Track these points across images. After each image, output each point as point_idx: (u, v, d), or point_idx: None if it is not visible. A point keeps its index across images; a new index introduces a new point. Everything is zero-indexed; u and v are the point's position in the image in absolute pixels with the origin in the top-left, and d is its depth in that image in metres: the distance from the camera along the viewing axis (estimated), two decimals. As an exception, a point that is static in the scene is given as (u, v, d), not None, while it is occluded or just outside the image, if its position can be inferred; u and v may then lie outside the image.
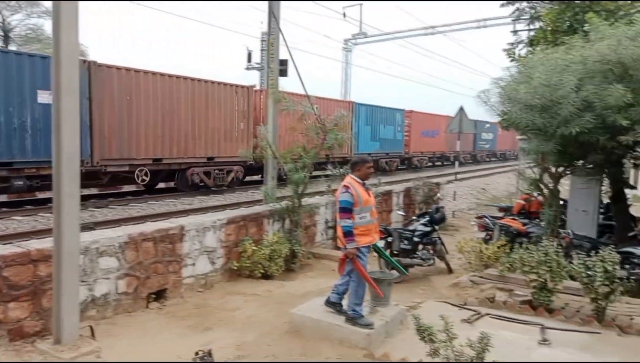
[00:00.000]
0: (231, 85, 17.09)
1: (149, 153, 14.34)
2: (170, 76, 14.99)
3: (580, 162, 7.35)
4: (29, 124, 11.55)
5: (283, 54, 9.54)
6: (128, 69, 13.72)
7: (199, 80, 15.93)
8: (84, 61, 12.55)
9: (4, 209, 11.91)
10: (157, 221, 8.55)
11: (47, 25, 30.54)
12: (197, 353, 3.97)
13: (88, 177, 12.70)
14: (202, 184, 16.31)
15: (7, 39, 27.24)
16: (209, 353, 3.95)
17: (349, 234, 4.77)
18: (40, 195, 13.87)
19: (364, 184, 5.03)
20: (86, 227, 9.47)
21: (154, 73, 14.48)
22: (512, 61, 11.74)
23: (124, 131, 13.55)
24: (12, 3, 26.87)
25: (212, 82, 16.40)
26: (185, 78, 15.46)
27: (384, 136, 26.04)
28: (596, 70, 6.23)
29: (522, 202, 10.23)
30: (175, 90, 15.05)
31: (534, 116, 6.47)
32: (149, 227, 6.22)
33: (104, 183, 14.12)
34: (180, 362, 4.38)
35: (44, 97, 11.57)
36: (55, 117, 4.53)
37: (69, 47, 4.48)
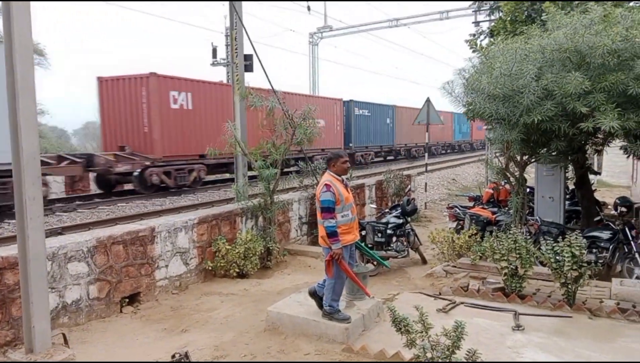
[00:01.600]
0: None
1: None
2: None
3: (544, 149, 7.53)
4: None
5: (247, 49, 9.45)
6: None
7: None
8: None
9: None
10: (127, 223, 8.36)
11: None
12: (173, 356, 3.92)
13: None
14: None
15: None
16: (186, 355, 3.90)
17: (333, 234, 4.64)
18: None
19: (342, 181, 4.94)
20: (54, 232, 9.20)
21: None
22: (474, 51, 11.93)
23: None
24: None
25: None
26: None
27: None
28: (555, 59, 6.39)
29: (491, 191, 10.45)
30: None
31: (497, 106, 6.59)
32: (119, 230, 6.08)
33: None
34: (158, 362, 4.31)
35: None
36: (12, 118, 4.37)
37: (22, 43, 4.32)
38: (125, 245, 5.83)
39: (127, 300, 5.87)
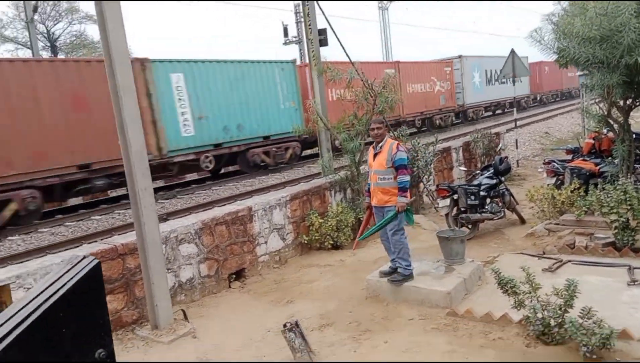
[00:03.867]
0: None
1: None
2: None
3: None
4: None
5: (320, 23, 9.43)
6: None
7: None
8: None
9: (82, 210, 12.71)
10: (223, 205, 8.85)
11: (89, 30, 31.69)
12: (285, 325, 4.14)
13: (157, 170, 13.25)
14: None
15: (54, 48, 28.50)
16: (296, 324, 4.10)
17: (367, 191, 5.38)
18: (112, 193, 14.69)
19: (374, 146, 5.24)
20: (160, 218, 9.97)
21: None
22: None
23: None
24: (53, 13, 27.90)
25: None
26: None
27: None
28: (656, -9, 5.75)
29: (591, 141, 9.68)
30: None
31: (593, 49, 6.10)
32: (220, 211, 6.46)
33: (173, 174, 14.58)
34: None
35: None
36: (117, 117, 4.75)
37: (118, 47, 4.65)
38: (227, 225, 6.20)
39: (234, 276, 6.27)
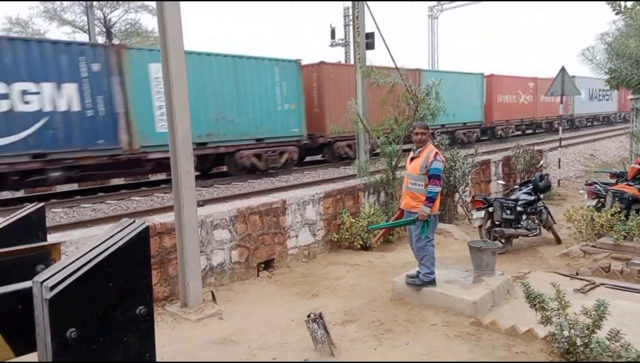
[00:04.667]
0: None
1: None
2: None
3: None
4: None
5: (368, 27, 9.49)
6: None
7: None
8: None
9: (124, 191, 13.21)
10: (259, 197, 9.03)
11: (143, 19, 32.74)
12: (309, 316, 4.23)
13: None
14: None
15: (109, 34, 29.61)
16: (320, 316, 4.18)
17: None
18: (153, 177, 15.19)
19: (413, 151, 5.20)
20: (197, 204, 10.26)
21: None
22: (617, 13, 10.68)
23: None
24: (111, 1, 28.96)
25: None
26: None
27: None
28: None
29: (637, 166, 9.37)
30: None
31: None
32: (255, 201, 6.63)
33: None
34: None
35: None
36: (167, 102, 4.97)
37: (174, 38, 4.86)
38: (261, 215, 6.35)
39: (262, 265, 6.41)
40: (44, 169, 11.09)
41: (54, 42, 11.50)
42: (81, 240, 4.90)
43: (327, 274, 6.37)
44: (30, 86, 10.70)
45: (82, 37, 26.86)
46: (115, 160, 12.17)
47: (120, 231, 1.77)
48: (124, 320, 1.68)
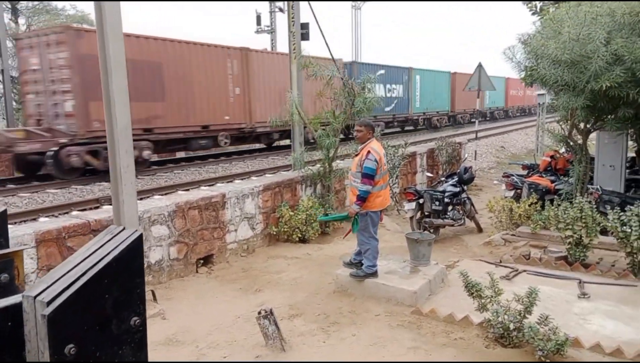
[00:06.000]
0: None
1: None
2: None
3: (610, 117, 7.36)
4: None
5: (303, 17, 9.51)
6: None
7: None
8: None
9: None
10: (187, 189, 8.76)
11: (54, -5, 30.15)
12: (259, 312, 4.24)
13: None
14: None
15: (15, 11, 26.99)
16: (271, 312, 4.21)
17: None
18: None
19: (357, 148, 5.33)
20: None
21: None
22: (533, 14, 11.55)
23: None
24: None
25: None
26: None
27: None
28: (625, 22, 6.19)
29: (548, 159, 10.27)
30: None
31: (562, 72, 6.49)
32: (194, 195, 6.45)
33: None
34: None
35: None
36: (105, 93, 4.68)
37: (112, 22, 4.57)
38: (200, 210, 6.20)
39: (202, 261, 6.28)
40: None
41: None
42: None
43: (268, 268, 6.38)
44: None
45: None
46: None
47: (111, 239, 1.69)
48: (119, 333, 1.62)
